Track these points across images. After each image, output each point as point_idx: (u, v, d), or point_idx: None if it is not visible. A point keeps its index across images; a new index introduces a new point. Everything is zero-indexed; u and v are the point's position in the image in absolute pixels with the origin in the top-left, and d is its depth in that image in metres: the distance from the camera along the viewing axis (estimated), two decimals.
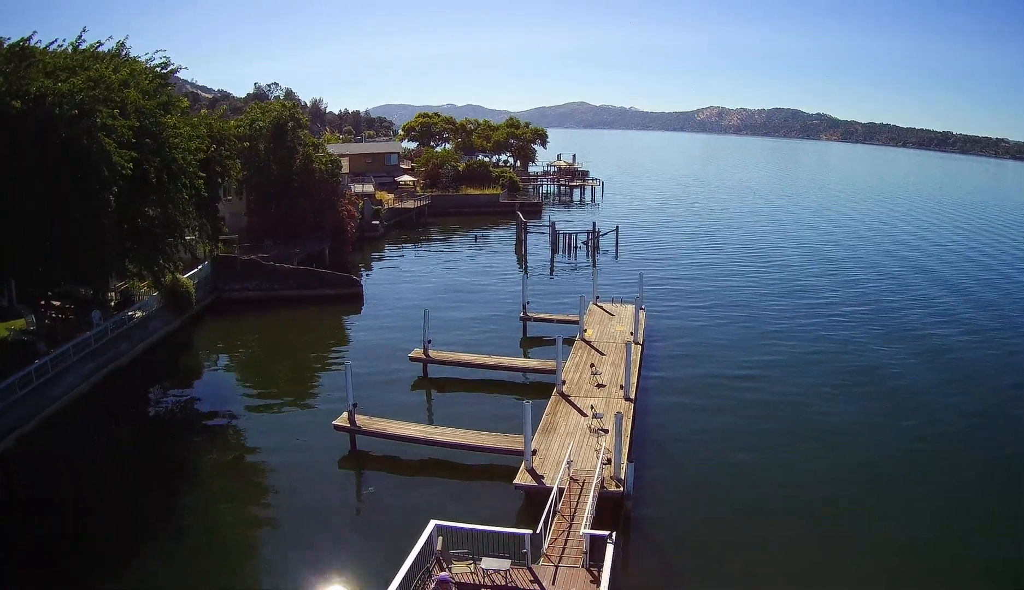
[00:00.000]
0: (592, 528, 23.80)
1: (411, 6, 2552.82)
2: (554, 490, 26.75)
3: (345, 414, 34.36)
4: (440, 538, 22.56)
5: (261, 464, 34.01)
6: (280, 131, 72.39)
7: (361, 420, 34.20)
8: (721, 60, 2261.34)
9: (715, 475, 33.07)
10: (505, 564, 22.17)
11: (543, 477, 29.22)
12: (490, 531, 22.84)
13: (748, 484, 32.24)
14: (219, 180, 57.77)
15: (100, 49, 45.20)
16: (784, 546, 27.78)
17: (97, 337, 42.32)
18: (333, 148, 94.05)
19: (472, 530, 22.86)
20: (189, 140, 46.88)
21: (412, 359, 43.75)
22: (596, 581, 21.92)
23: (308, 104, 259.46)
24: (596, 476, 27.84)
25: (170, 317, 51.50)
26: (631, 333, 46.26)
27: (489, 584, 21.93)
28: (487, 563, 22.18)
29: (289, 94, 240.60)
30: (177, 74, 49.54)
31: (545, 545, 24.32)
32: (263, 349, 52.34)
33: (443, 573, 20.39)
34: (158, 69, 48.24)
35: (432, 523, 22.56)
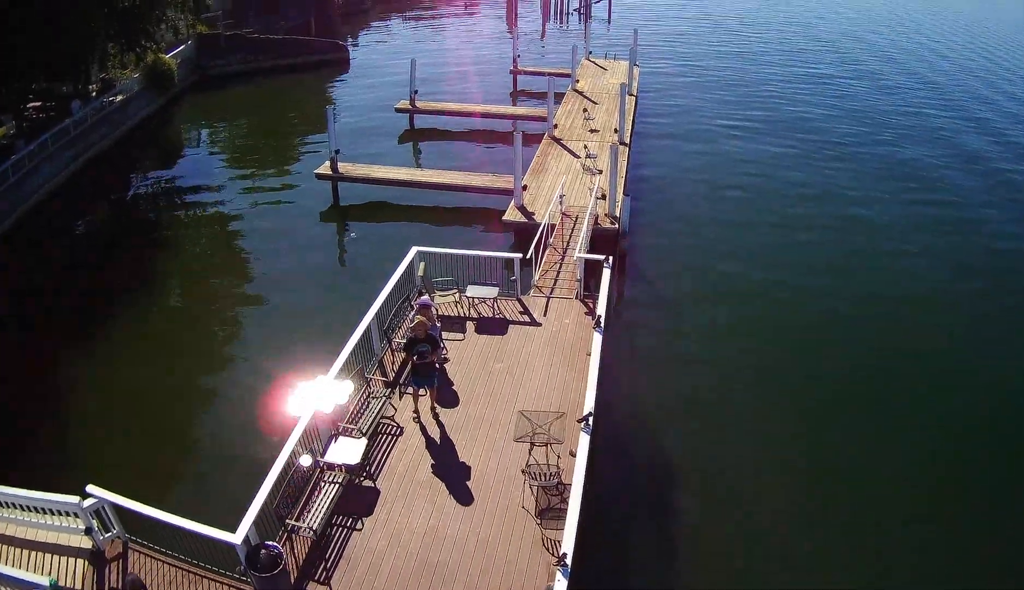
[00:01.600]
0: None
1: None
2: (545, 221, 23.94)
3: (327, 162, 31.00)
4: (423, 264, 19.90)
5: (242, 226, 30.93)
6: None
7: (344, 167, 30.90)
8: None
9: (710, 212, 30.63)
10: (492, 292, 19.60)
11: (534, 214, 26.34)
12: (476, 255, 20.22)
13: (744, 220, 30.00)
14: None
15: None
16: (779, 282, 25.60)
17: (76, 125, 37.80)
18: None
19: (457, 255, 20.21)
20: None
21: (398, 110, 40.00)
22: (591, 312, 19.23)
23: None
24: (590, 211, 24.92)
25: (151, 98, 46.66)
26: (625, 83, 42.14)
27: (475, 316, 19.49)
28: (472, 291, 19.62)
29: None
30: None
31: (536, 277, 21.69)
32: (245, 119, 47.83)
33: (424, 297, 17.77)
34: None
35: (414, 249, 19.85)
